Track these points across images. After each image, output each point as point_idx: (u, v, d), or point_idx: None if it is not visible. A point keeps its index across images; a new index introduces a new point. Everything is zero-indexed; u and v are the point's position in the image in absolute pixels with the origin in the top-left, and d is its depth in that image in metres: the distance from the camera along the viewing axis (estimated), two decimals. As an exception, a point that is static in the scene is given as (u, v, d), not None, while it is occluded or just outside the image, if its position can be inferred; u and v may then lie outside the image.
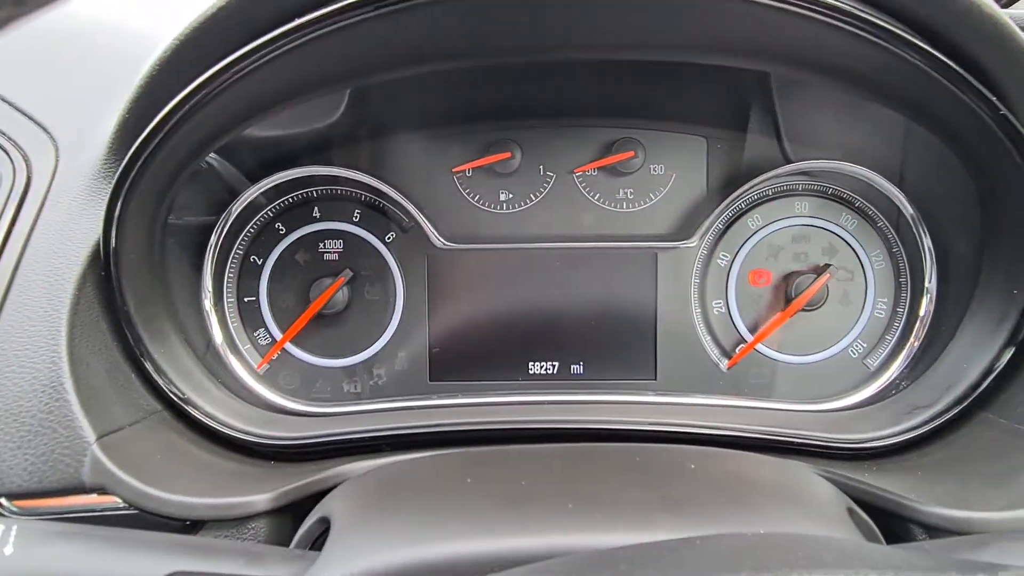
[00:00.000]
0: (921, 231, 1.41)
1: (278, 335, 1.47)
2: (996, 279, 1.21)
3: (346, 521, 0.91)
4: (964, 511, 0.97)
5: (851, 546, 0.66)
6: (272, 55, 0.98)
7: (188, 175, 1.19)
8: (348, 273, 1.45)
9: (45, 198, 1.16)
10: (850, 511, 0.97)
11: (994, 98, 1.01)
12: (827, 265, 1.46)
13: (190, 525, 1.03)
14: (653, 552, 0.67)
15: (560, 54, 1.15)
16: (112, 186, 1.07)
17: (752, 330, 1.49)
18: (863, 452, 1.22)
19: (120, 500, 1.00)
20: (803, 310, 1.44)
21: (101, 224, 1.08)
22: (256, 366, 1.46)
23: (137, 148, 1.05)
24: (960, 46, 1.01)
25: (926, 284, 1.41)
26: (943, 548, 0.84)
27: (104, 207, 1.08)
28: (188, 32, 1.03)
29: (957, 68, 0.99)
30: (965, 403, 1.20)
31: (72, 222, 1.13)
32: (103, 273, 1.11)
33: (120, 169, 1.06)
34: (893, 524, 1.01)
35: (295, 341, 1.48)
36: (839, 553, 0.64)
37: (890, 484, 1.07)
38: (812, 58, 1.09)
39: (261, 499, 1.04)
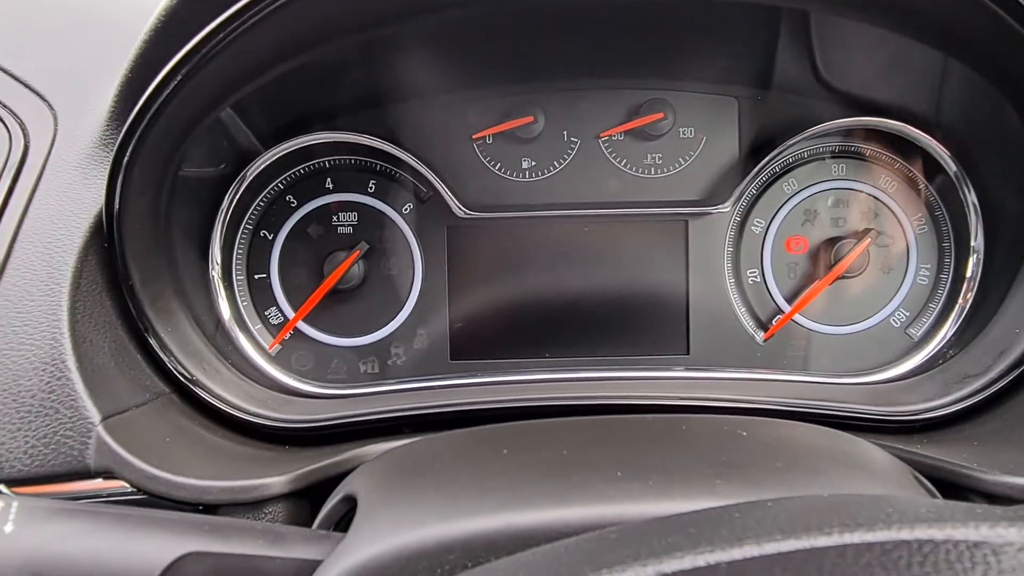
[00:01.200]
0: (966, 188, 1.35)
1: (290, 313, 1.42)
2: (1050, 234, 1.15)
3: (374, 498, 0.84)
4: (1031, 478, 0.90)
5: (943, 503, 0.59)
6: (274, 5, 0.91)
7: (194, 139, 1.14)
8: (364, 246, 1.39)
9: (44, 168, 1.13)
10: (915, 476, 0.90)
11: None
12: (868, 230, 1.39)
13: (202, 511, 0.97)
14: (722, 516, 0.60)
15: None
16: (114, 152, 1.02)
17: (789, 300, 1.42)
18: (912, 424, 1.16)
19: (127, 484, 0.95)
20: (842, 278, 1.38)
21: (103, 193, 1.03)
22: (268, 346, 1.41)
23: (139, 110, 0.99)
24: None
25: (972, 243, 1.34)
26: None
27: (106, 175, 1.02)
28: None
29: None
30: (1021, 369, 1.13)
31: (73, 192, 1.09)
32: (106, 245, 1.06)
33: (123, 133, 1.01)
34: (952, 496, 0.94)
35: (308, 319, 1.42)
36: (935, 509, 0.57)
37: (946, 455, 1.01)
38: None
39: (277, 481, 0.99)
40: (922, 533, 0.52)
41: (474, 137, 1.43)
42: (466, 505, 0.76)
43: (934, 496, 0.91)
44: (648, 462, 0.83)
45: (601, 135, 1.43)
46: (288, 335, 1.42)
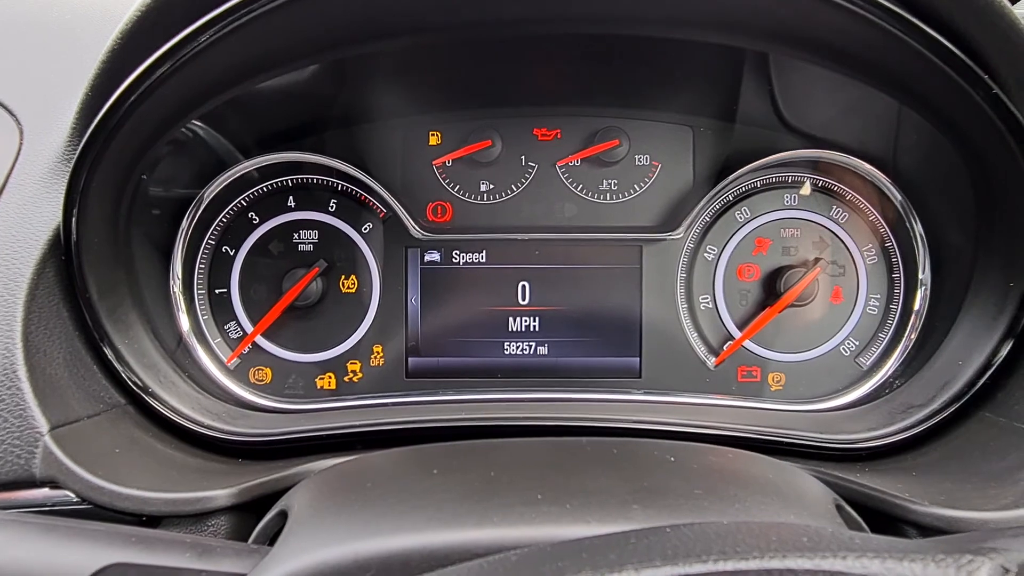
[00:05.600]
0: (913, 221, 1.37)
1: (249, 328, 1.43)
2: (992, 270, 1.17)
3: (302, 514, 0.86)
4: (960, 511, 0.92)
5: (830, 532, 0.61)
6: (233, 26, 0.94)
7: (153, 157, 1.16)
8: (322, 263, 1.41)
9: (7, 181, 1.14)
10: (838, 507, 0.92)
11: (986, 77, 0.97)
12: (817, 259, 1.42)
13: (147, 522, 0.98)
14: (618, 541, 0.62)
15: (544, 27, 1.11)
16: (72, 167, 1.03)
17: (740, 326, 1.44)
18: (856, 452, 1.17)
19: (72, 494, 0.95)
20: (792, 306, 1.40)
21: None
22: (226, 360, 1.42)
23: (96, 126, 1.01)
24: (953, 24, 0.98)
25: (920, 277, 1.36)
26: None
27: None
28: (150, 4, 0.99)
29: (949, 45, 0.96)
30: (962, 401, 1.16)
31: (34, 205, 1.10)
32: (64, 258, 1.07)
33: (80, 148, 1.03)
34: (886, 526, 0.96)
35: (267, 334, 1.43)
36: (816, 538, 0.59)
37: (883, 484, 1.02)
38: (807, 37, 1.06)
39: (221, 494, 1.00)
40: (793, 563, 0.54)
41: (434, 163, 1.46)
42: (386, 524, 0.77)
43: (857, 525, 0.93)
44: (571, 486, 0.84)
45: (558, 163, 1.46)
46: (247, 349, 1.43)
